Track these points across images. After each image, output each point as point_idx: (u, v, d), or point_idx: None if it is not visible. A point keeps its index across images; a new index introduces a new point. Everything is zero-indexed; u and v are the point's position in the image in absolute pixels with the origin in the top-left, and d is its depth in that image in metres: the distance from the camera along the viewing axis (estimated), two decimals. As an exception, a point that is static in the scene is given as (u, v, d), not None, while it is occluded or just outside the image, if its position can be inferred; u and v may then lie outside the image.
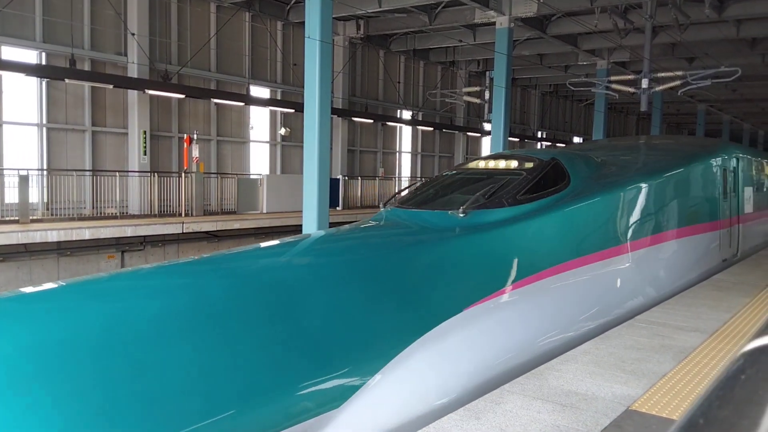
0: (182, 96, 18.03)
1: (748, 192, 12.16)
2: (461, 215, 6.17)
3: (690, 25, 18.65)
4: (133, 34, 16.89)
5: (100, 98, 16.89)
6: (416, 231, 6.19)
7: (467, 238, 6.05)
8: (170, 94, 17.65)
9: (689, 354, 5.35)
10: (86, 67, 16.45)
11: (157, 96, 17.63)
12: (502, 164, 7.41)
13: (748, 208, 12.03)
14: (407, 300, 5.14)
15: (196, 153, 17.51)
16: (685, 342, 5.72)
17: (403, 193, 7.73)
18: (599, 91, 20.38)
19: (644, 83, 15.79)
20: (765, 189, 14.51)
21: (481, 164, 7.68)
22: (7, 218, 14.20)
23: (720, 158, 10.39)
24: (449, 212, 6.27)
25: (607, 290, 7.04)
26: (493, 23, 19.65)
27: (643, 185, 8.02)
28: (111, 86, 16.28)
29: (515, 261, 6.14)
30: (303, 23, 13.66)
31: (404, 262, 5.55)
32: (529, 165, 7.17)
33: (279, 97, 21.92)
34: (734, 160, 11.20)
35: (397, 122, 26.54)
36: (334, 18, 16.32)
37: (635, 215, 7.82)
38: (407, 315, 5.01)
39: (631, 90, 17.02)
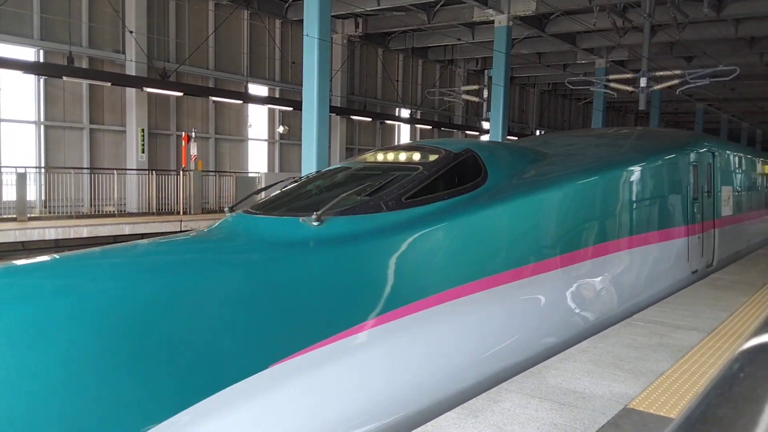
0: (180, 94, 18.01)
1: (727, 192, 10.85)
2: (314, 223, 4.61)
3: (688, 24, 18.66)
4: (131, 32, 16.86)
5: (98, 96, 16.86)
6: (227, 248, 4.65)
7: (299, 257, 4.43)
8: (168, 92, 17.62)
9: (687, 352, 5.36)
10: (84, 64, 16.42)
11: (155, 94, 17.61)
12: (402, 156, 5.99)
13: (727, 210, 10.74)
14: (149, 361, 3.41)
15: (194, 151, 17.50)
16: (683, 341, 5.73)
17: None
18: (598, 89, 20.39)
19: (643, 82, 15.79)
20: (748, 189, 13.06)
21: (380, 156, 6.20)
22: (5, 216, 14.18)
23: (690, 153, 9.08)
24: (300, 219, 4.72)
25: (517, 322, 5.52)
26: (492, 22, 19.65)
27: (585, 184, 6.70)
28: (109, 84, 16.26)
29: (371, 289, 4.50)
30: (301, 21, 13.65)
31: (173, 298, 3.75)
32: (433, 158, 5.77)
33: (277, 95, 21.91)
34: (709, 155, 9.93)
35: (395, 121, 26.53)
36: (332, 16, 16.30)
37: (570, 221, 6.39)
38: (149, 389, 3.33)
39: (630, 89, 17.01)
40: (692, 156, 9.09)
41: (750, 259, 11.30)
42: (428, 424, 3.80)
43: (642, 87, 15.86)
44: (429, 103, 28.75)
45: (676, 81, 16.80)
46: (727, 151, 11.41)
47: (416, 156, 5.94)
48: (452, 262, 5.12)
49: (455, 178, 5.71)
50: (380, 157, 6.23)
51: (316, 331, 4.06)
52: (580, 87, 22.20)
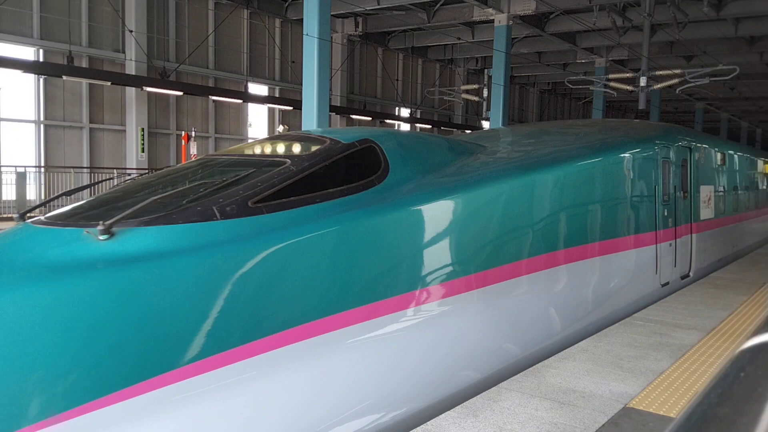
0: (180, 93, 18.01)
1: (707, 192, 9.69)
2: (101, 237, 3.36)
3: (688, 23, 18.67)
4: (131, 31, 16.86)
5: (97, 95, 16.86)
6: None
7: (56, 287, 3.10)
8: (168, 91, 17.62)
9: (687, 352, 5.36)
10: (84, 64, 16.42)
11: (155, 93, 17.61)
12: (280, 148, 4.89)
13: (707, 213, 9.64)
14: None
15: (194, 150, 17.50)
16: (682, 340, 5.73)
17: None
18: (597, 89, 20.39)
19: (642, 81, 15.80)
20: (734, 188, 11.78)
21: (256, 148, 5.04)
22: (4, 215, 14.18)
23: (659, 148, 7.94)
24: (84, 231, 3.47)
25: (413, 363, 4.34)
26: (492, 21, 19.65)
27: (516, 184, 5.56)
28: (109, 83, 16.25)
29: (144, 341, 3.15)
30: (301, 20, 13.65)
31: None
32: (315, 148, 4.64)
33: (277, 95, 21.91)
34: (685, 150, 8.86)
35: (395, 120, 26.53)
36: (332, 15, 16.30)
37: (495, 229, 5.27)
38: None
39: (630, 88, 17.02)
40: (662, 151, 8.01)
41: (750, 258, 11.30)
42: (428, 423, 3.80)
43: (642, 86, 15.87)
44: (429, 103, 28.74)
45: (675, 80, 16.81)
46: (708, 147, 10.19)
47: (295, 147, 4.80)
48: (309, 291, 3.85)
49: (339, 175, 4.56)
50: (255, 148, 5.04)
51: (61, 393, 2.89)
52: (580, 86, 22.22)
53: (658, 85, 17.22)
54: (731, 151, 11.97)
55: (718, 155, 10.71)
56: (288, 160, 4.42)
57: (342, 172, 4.63)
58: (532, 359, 5.28)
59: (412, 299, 4.48)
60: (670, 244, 8.07)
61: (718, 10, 18.65)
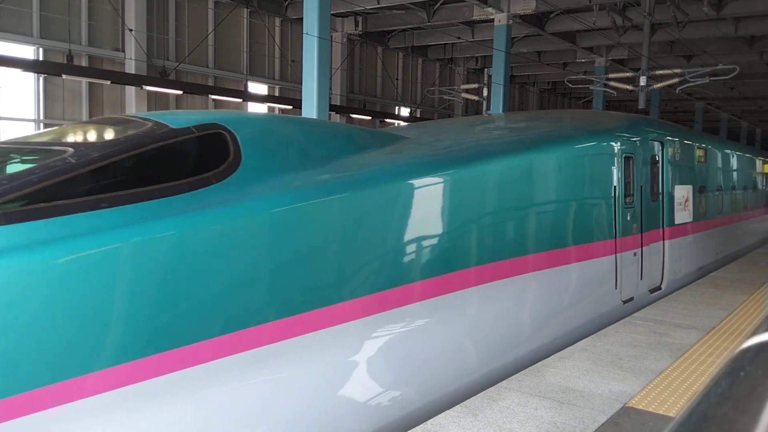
0: (180, 92, 18.00)
1: (684, 193, 8.70)
2: None
3: (688, 22, 18.66)
4: (130, 30, 16.85)
5: (97, 94, 16.85)
6: None
7: None
8: (168, 91, 17.61)
9: (687, 351, 5.36)
10: (83, 63, 16.41)
11: (155, 92, 17.60)
12: (92, 135, 3.82)
13: (684, 216, 8.68)
14: None
15: (193, 149, 17.48)
16: (682, 339, 5.73)
17: None
18: (597, 88, 20.38)
19: (642, 81, 15.79)
20: (719, 188, 10.66)
21: (69, 135, 3.89)
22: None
23: (620, 142, 6.95)
24: None
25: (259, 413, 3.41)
26: (492, 20, 19.64)
27: (420, 183, 4.55)
28: (108, 82, 16.24)
29: None
30: (301, 19, 13.65)
31: None
32: (122, 135, 3.65)
33: (277, 94, 21.90)
34: (655, 145, 7.90)
35: (395, 119, 26.52)
36: (332, 14, 16.28)
37: (384, 241, 4.23)
38: None
39: (630, 87, 17.01)
40: (624, 145, 7.00)
41: (749, 258, 11.28)
42: (428, 422, 3.80)
43: (642, 86, 15.86)
44: (429, 102, 28.73)
45: (675, 80, 16.80)
46: (686, 141, 9.11)
47: (100, 133, 3.81)
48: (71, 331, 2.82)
49: (146, 171, 3.52)
50: (50, 135, 3.98)
51: None
52: (580, 86, 22.21)
53: (658, 85, 17.21)
54: (715, 147, 10.86)
55: (699, 151, 9.65)
56: (71, 149, 3.37)
57: (153, 168, 3.53)
58: (436, 407, 4.24)
59: (266, 333, 3.35)
60: (635, 254, 7.09)
61: (718, 10, 18.64)
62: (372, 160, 4.74)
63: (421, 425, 3.77)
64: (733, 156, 12.20)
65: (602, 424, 3.81)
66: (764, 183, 16.23)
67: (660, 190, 8.01)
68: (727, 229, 11.20)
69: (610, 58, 26.04)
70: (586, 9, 19.20)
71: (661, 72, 16.96)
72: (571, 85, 21.34)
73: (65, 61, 15.69)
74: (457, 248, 4.89)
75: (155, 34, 17.90)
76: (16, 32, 15.08)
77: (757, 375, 0.79)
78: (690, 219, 8.94)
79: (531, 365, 4.98)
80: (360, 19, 22.39)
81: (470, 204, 5.03)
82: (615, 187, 6.78)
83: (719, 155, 11.05)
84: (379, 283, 4.13)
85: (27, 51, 15.48)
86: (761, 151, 17.78)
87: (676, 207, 8.44)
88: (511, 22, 19.20)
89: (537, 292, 5.64)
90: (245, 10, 20.47)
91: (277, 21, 21.74)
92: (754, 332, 0.98)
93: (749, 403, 0.72)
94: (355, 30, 22.71)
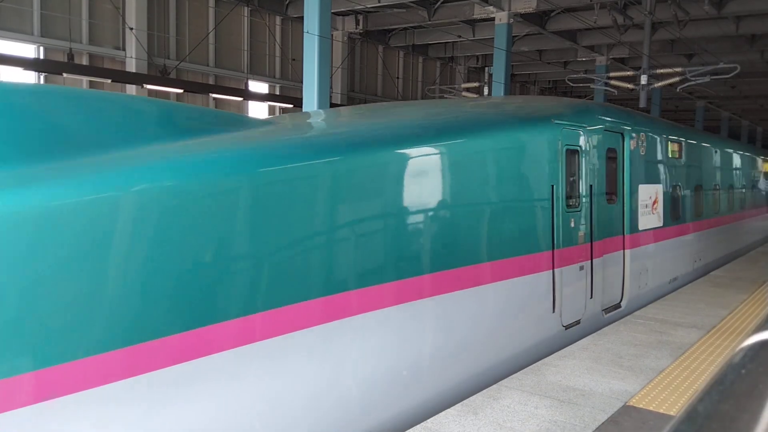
0: (180, 91, 17.99)
1: (651, 193, 7.58)
2: None
3: (689, 21, 18.66)
4: (131, 29, 16.86)
5: (98, 93, 16.85)
6: None
7: None
8: (168, 89, 17.61)
9: (687, 350, 5.36)
10: (84, 61, 16.41)
11: (156, 91, 17.60)
12: None
13: (652, 220, 7.57)
14: None
15: (194, 148, 17.50)
16: (683, 338, 5.73)
17: None
18: (598, 87, 20.37)
19: (643, 79, 15.78)
20: (697, 188, 9.43)
21: None
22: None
23: (562, 132, 5.80)
24: None
25: None
26: (493, 19, 19.63)
27: (247, 179, 3.48)
28: (109, 81, 16.24)
29: None
30: (302, 18, 13.64)
31: None
32: None
33: (277, 93, 21.89)
34: (613, 137, 6.77)
35: (395, 118, 26.50)
36: (332, 13, 16.29)
37: (193, 257, 3.24)
38: None
39: (630, 86, 17.01)
40: (565, 136, 5.82)
41: (750, 257, 11.27)
42: (428, 420, 3.80)
43: (642, 84, 15.85)
44: (429, 101, 28.72)
45: (676, 78, 16.79)
46: (655, 133, 7.92)
47: None
48: None
49: None
50: None
51: None
52: (581, 84, 22.17)
53: (659, 84, 17.20)
54: (693, 140, 9.53)
55: (673, 145, 8.41)
56: None
57: None
58: None
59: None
60: (581, 267, 5.97)
61: (719, 9, 18.63)
62: (174, 151, 3.46)
63: (422, 424, 3.77)
64: (715, 151, 10.88)
65: (603, 423, 3.81)
66: (753, 181, 14.90)
67: (619, 191, 6.85)
68: (708, 234, 9.89)
69: (611, 57, 26.02)
70: (587, 7, 19.18)
71: (662, 71, 16.96)
72: (572, 84, 21.31)
73: (66, 60, 15.70)
74: (324, 263, 3.79)
75: (156, 32, 17.90)
76: (17, 31, 15.08)
77: (758, 373, 0.79)
78: (660, 223, 7.79)
79: (425, 419, 4.14)
80: (361, 17, 22.39)
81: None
82: (552, 186, 5.60)
83: (698, 150, 9.75)
84: (203, 316, 3.24)
85: (28, 50, 15.49)
86: (748, 145, 16.87)
87: (641, 210, 7.27)
88: (511, 20, 19.19)
89: (444, 321, 4.55)
90: (246, 8, 20.47)
91: (278, 19, 21.74)
92: (755, 330, 0.98)
93: (750, 401, 0.73)
94: (356, 28, 22.70)
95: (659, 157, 8.03)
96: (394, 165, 4.37)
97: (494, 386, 4.43)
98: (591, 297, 6.19)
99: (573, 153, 5.98)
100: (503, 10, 18.89)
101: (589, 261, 6.15)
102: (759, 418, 0.69)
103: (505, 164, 5.27)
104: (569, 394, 4.25)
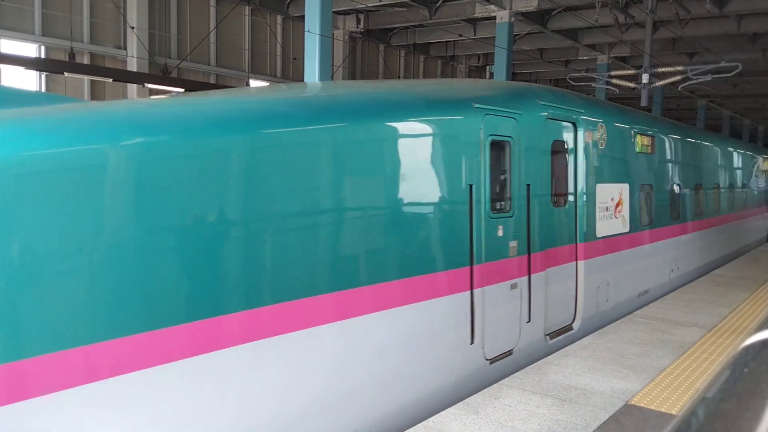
0: (182, 90, 17.99)
1: (613, 194, 6.47)
2: None
3: (691, 20, 18.64)
4: (132, 28, 16.86)
5: (99, 92, 16.87)
6: None
7: None
8: (170, 88, 17.61)
9: (688, 349, 5.36)
10: (85, 60, 16.42)
11: (157, 90, 17.61)
12: None
13: (614, 225, 6.51)
14: None
15: (195, 147, 17.49)
16: (684, 337, 5.73)
17: None
18: (599, 86, 20.36)
19: (645, 78, 15.77)
20: (675, 187, 8.27)
21: None
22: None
23: (484, 118, 4.70)
24: None
25: None
26: (494, 18, 19.63)
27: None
28: (110, 80, 16.25)
29: None
30: (303, 17, 13.64)
31: None
32: None
33: (279, 92, 21.89)
34: (561, 127, 5.70)
35: (396, 117, 26.50)
36: (333, 12, 16.27)
37: None
38: None
39: (632, 85, 16.99)
40: (488, 124, 4.73)
41: (751, 256, 11.26)
42: (429, 419, 3.80)
43: (644, 83, 15.84)
44: (430, 100, 28.70)
45: (678, 77, 16.77)
46: (617, 122, 6.80)
47: None
48: None
49: None
50: None
51: None
52: (582, 83, 22.15)
53: (660, 82, 17.19)
54: (669, 134, 8.30)
55: (643, 139, 7.26)
56: None
57: None
58: None
59: None
60: (514, 285, 4.97)
61: (721, 7, 18.60)
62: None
63: (423, 423, 3.77)
64: (696, 146, 9.62)
65: (604, 422, 3.81)
66: (741, 180, 13.33)
67: (571, 190, 5.87)
68: (687, 239, 8.82)
69: (612, 56, 26.00)
70: (588, 6, 19.16)
71: (663, 69, 16.95)
72: (573, 83, 21.30)
73: (67, 59, 15.71)
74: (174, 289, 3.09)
75: (157, 31, 17.91)
76: (19, 30, 15.10)
77: (760, 372, 0.79)
78: (625, 229, 6.77)
79: None
80: (362, 16, 22.39)
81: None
82: (471, 186, 4.56)
83: (676, 145, 8.51)
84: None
85: (29, 49, 15.50)
86: (736, 140, 15.73)
87: (601, 214, 6.25)
88: (513, 19, 19.18)
89: (324, 360, 3.69)
90: (247, 7, 20.47)
91: (279, 18, 21.74)
92: (757, 329, 0.98)
93: (752, 400, 0.72)
94: (357, 27, 22.70)
95: (625, 151, 6.89)
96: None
97: (495, 385, 4.43)
98: (528, 321, 5.19)
99: (501, 145, 4.92)
100: (504, 9, 18.88)
101: (526, 277, 5.11)
102: (761, 417, 0.69)
103: (398, 157, 4.19)
104: (570, 393, 4.25)
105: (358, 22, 22.50)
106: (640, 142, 7.22)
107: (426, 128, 4.42)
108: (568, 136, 5.84)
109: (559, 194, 5.72)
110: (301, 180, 3.64)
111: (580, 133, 5.93)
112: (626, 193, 6.78)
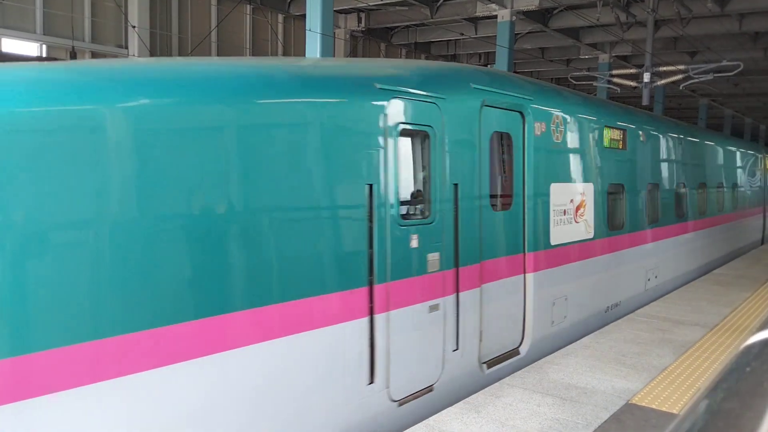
0: (183, 89, 18.03)
1: (572, 195, 5.68)
2: None
3: (692, 18, 18.62)
4: (133, 27, 16.87)
5: (100, 91, 16.89)
6: None
7: None
8: (171, 87, 17.65)
9: (690, 348, 5.36)
10: (87, 59, 16.44)
11: (158, 89, 17.64)
12: None
13: (574, 231, 5.70)
14: None
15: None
16: (685, 336, 5.73)
17: None
18: (601, 85, 20.35)
19: (646, 77, 15.76)
20: (652, 186, 7.42)
21: None
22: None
23: (391, 104, 3.88)
24: None
25: None
26: (495, 16, 19.63)
27: None
28: (111, 79, 16.28)
29: None
30: (304, 16, 13.66)
31: None
32: None
33: (280, 91, 21.92)
34: (504, 115, 4.84)
35: (398, 116, 26.51)
36: (335, 11, 16.27)
37: None
38: None
39: (633, 84, 16.98)
40: (398, 111, 3.91)
41: (753, 255, 11.25)
42: (431, 418, 3.80)
43: (645, 82, 15.83)
44: (431, 99, 28.71)
45: (679, 76, 16.76)
46: (583, 114, 5.97)
47: None
48: None
49: None
50: None
51: None
52: (584, 82, 22.16)
53: (662, 81, 17.18)
54: (644, 127, 7.34)
55: (612, 132, 6.32)
56: None
57: None
58: None
59: None
60: (434, 307, 4.15)
61: (722, 6, 18.58)
62: None
63: (424, 422, 3.77)
64: (677, 142, 8.57)
65: (605, 421, 3.81)
66: (730, 178, 12.32)
67: (517, 192, 5.02)
68: (667, 245, 7.96)
69: (613, 55, 25.99)
70: (590, 5, 19.16)
71: (664, 68, 16.94)
72: (574, 82, 21.29)
73: (68, 58, 15.71)
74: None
75: (158, 30, 17.93)
76: (20, 29, 15.12)
77: (763, 371, 0.79)
78: (589, 235, 5.95)
79: None
80: (363, 15, 22.39)
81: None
82: (370, 187, 3.72)
83: (652, 140, 7.50)
84: None
85: (30, 48, 15.52)
86: (722, 135, 15.05)
87: (556, 218, 5.43)
88: (514, 18, 19.18)
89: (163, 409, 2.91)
90: (248, 6, 20.48)
91: (280, 17, 21.75)
92: (759, 328, 0.98)
93: (754, 399, 0.72)
94: (358, 26, 22.70)
95: (589, 147, 5.95)
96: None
97: (496, 384, 4.43)
98: (456, 349, 4.35)
99: (417, 136, 4.05)
100: (505, 8, 18.88)
101: (452, 296, 4.28)
102: (763, 416, 0.69)
103: (259, 149, 3.28)
104: (571, 392, 4.25)
105: (360, 21, 22.51)
106: (609, 136, 6.30)
107: (298, 113, 3.47)
108: (512, 128, 4.92)
109: (500, 196, 4.88)
110: (77, 183, 2.73)
111: (529, 124, 5.03)
112: (590, 194, 5.96)
